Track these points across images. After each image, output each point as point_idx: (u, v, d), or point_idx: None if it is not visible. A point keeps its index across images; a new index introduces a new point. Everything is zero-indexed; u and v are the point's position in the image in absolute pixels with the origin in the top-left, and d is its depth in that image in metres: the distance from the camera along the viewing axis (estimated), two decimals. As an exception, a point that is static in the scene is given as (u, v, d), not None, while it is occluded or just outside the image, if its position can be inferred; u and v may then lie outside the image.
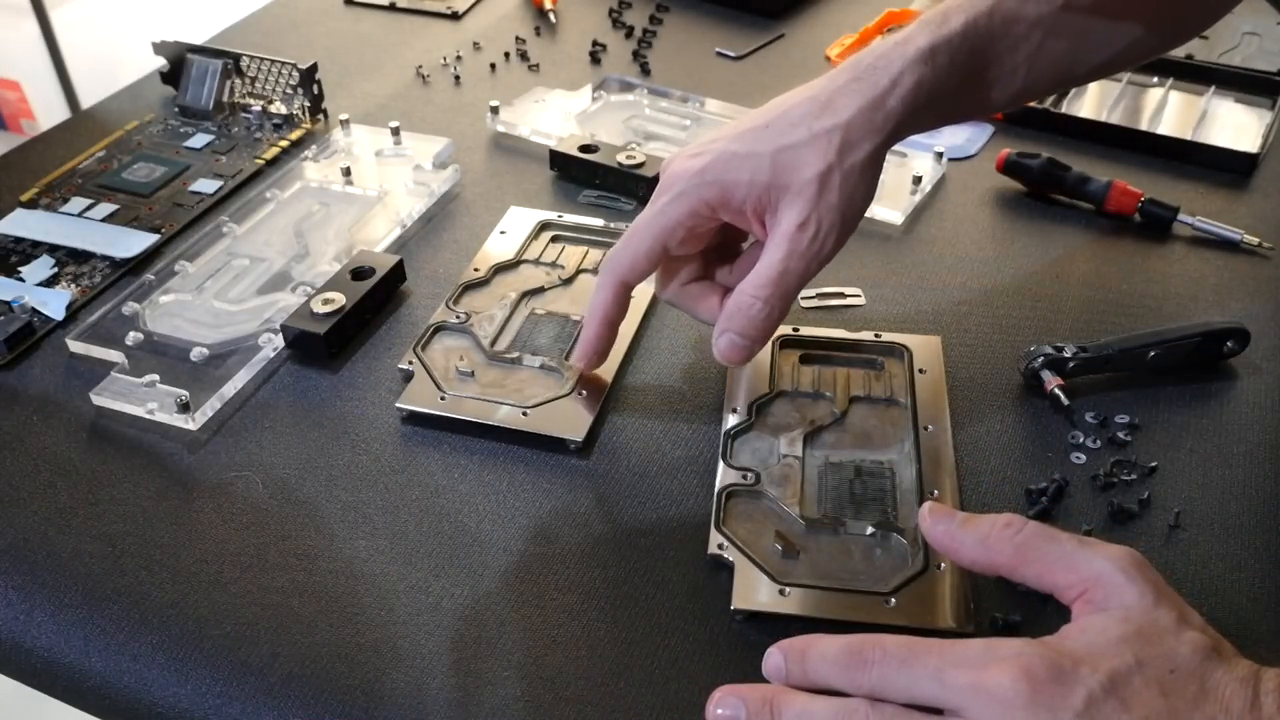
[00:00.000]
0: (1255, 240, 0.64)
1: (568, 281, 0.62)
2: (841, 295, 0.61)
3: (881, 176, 0.67)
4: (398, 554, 0.46)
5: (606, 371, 0.55)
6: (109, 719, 0.44)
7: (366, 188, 0.69)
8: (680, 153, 0.50)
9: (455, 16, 0.93)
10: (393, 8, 0.94)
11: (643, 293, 0.60)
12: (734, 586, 0.44)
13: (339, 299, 0.57)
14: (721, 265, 0.52)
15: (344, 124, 0.74)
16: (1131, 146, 0.73)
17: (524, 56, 0.87)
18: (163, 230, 0.66)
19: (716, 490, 0.48)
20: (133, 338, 0.57)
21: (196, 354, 0.56)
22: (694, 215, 0.48)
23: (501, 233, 0.65)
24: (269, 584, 0.45)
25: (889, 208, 0.67)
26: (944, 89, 0.48)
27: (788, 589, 0.43)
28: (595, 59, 0.86)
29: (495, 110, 0.76)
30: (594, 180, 0.70)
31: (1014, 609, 0.43)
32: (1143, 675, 0.34)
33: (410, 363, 0.55)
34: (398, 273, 0.61)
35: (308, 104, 0.76)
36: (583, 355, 0.53)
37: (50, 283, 0.62)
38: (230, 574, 0.46)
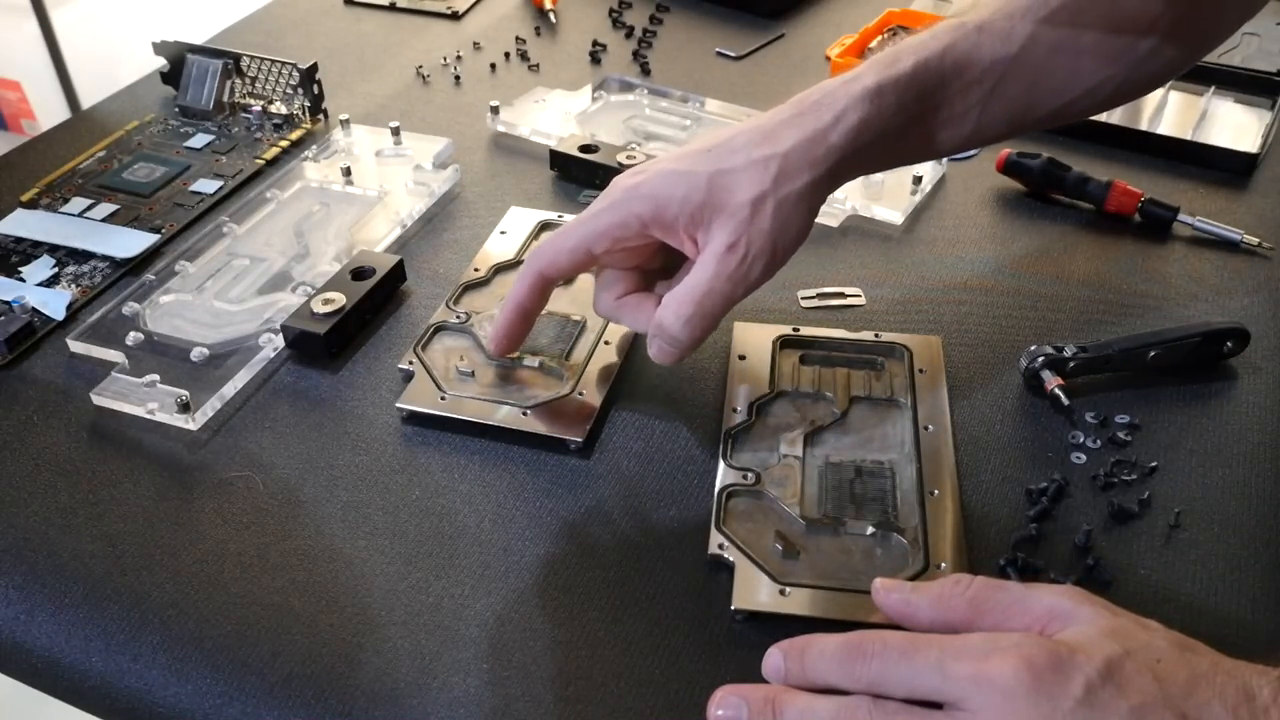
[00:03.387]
0: (1255, 240, 0.64)
1: (568, 281, 0.61)
2: (841, 295, 0.61)
3: (882, 177, 0.68)
4: (398, 554, 0.46)
5: (607, 372, 0.55)
6: (109, 719, 0.44)
7: (367, 188, 0.69)
8: (628, 171, 0.50)
9: (455, 16, 0.93)
10: (393, 8, 0.94)
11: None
12: (734, 586, 0.44)
13: (339, 299, 0.57)
14: (662, 280, 0.53)
15: (344, 124, 0.74)
16: (1131, 146, 0.73)
17: (524, 56, 0.87)
18: (163, 230, 0.66)
19: (717, 490, 0.48)
20: (133, 338, 0.57)
21: (197, 354, 0.56)
22: (621, 226, 0.49)
23: (502, 233, 0.65)
24: (269, 584, 0.45)
25: (889, 208, 0.67)
26: (889, 128, 0.48)
27: (788, 589, 0.43)
28: (595, 59, 0.86)
29: (495, 110, 0.76)
30: (594, 180, 0.70)
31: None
32: (1134, 662, 0.34)
33: (410, 363, 0.55)
34: (398, 273, 0.61)
35: (308, 104, 0.76)
36: (493, 340, 0.54)
37: (50, 283, 0.62)
38: (230, 574, 0.46)
